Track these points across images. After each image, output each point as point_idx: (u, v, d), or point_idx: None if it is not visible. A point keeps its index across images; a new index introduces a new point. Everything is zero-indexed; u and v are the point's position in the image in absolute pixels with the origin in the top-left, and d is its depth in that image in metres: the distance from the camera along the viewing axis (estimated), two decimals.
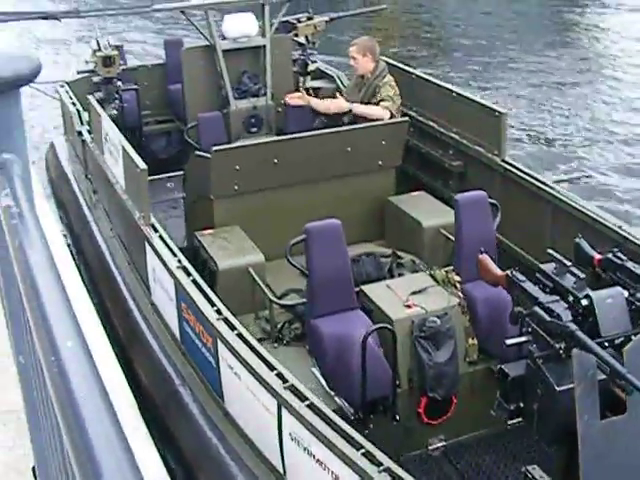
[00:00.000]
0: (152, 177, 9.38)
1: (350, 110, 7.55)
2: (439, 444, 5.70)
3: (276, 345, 6.04)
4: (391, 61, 8.21)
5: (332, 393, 5.47)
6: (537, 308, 3.84)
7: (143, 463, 3.75)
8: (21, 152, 2.42)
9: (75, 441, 1.36)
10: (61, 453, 1.62)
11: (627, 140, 13.74)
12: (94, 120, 8.04)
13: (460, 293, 5.81)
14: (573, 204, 6.40)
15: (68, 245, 6.30)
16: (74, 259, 5.97)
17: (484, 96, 15.01)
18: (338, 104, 7.74)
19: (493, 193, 6.91)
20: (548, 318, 3.75)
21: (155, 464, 4.39)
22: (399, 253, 6.91)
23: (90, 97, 8.23)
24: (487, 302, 5.70)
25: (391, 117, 7.40)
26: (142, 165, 6.37)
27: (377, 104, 7.48)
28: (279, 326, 6.17)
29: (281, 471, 4.68)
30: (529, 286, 4.05)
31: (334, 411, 5.17)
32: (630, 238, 5.83)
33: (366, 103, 7.59)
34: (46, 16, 8.64)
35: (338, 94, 8.04)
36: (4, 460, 3.55)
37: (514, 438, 5.54)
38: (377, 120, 7.32)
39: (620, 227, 6.00)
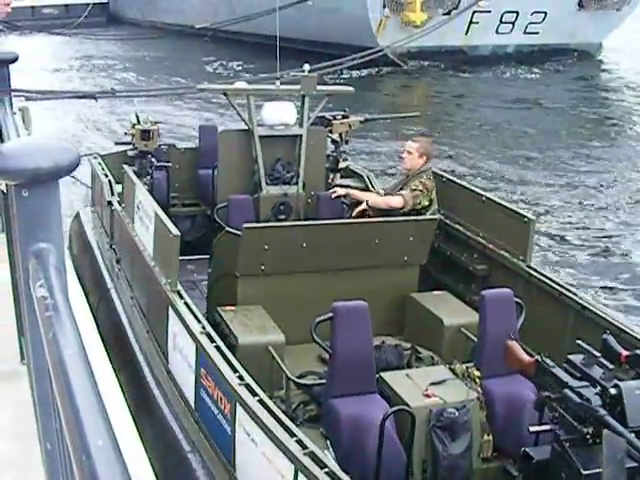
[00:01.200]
0: None
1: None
2: None
3: None
4: None
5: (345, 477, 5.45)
6: (567, 391, 3.88)
7: None
8: (57, 242, 2.49)
9: None
10: None
11: None
12: (127, 189, 8.22)
13: (479, 388, 5.84)
14: (597, 311, 6.47)
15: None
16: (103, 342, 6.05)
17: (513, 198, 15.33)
18: (374, 199, 8.06)
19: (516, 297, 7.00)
20: (578, 400, 3.79)
21: None
22: (418, 348, 6.96)
23: (126, 167, 8.44)
24: (506, 399, 5.73)
25: (404, 207, 7.59)
26: (175, 231, 6.51)
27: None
28: (294, 406, 6.18)
29: None
30: (559, 371, 4.10)
31: None
32: None
33: None
34: (83, 95, 8.95)
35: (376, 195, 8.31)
36: None
37: None
38: (393, 209, 7.56)
39: None
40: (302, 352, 6.34)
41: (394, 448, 5.26)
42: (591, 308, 6.52)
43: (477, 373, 5.95)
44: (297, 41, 27.76)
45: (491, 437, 5.74)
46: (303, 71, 8.79)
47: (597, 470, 3.62)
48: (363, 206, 8.06)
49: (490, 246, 7.73)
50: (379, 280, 7.42)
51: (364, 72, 28.16)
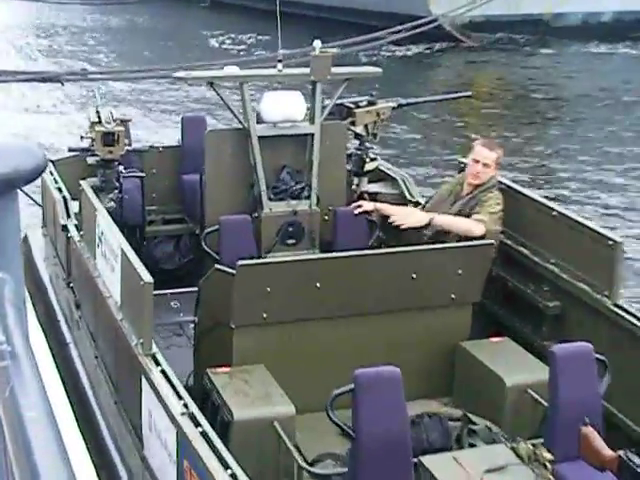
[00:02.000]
0: (153, 292, 9.60)
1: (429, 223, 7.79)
2: None
3: None
4: None
5: None
6: None
7: None
8: (14, 270, 2.45)
9: None
10: None
11: None
12: (86, 213, 8.21)
13: (551, 476, 5.81)
14: None
15: None
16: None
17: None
18: (415, 216, 8.06)
19: (599, 345, 6.95)
20: None
21: None
22: (471, 417, 6.92)
23: (84, 183, 8.42)
24: None
25: (484, 237, 7.61)
26: (147, 278, 6.51)
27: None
28: None
29: None
30: None
31: None
32: None
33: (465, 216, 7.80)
34: (47, 78, 8.94)
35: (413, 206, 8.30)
36: None
37: None
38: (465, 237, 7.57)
39: None
40: (318, 424, 6.31)
41: None
42: None
43: (548, 455, 5.92)
44: (323, 8, 27.57)
45: None
46: (313, 49, 8.73)
47: None
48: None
49: (564, 276, 7.68)
50: (418, 327, 7.40)
51: (413, 49, 28.04)
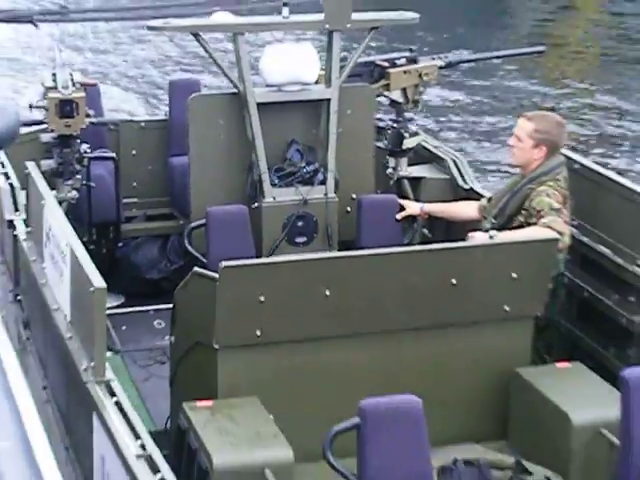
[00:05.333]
0: (130, 309, 9.58)
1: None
2: None
3: None
4: None
5: None
6: None
7: None
8: None
9: None
10: None
11: None
12: (33, 203, 8.18)
13: None
14: None
15: None
16: None
17: None
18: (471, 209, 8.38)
19: None
20: None
21: None
22: (527, 464, 6.85)
23: (30, 165, 8.37)
24: None
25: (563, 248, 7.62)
26: (99, 283, 6.46)
27: (527, 223, 7.65)
28: None
29: None
30: None
31: None
32: None
33: (510, 219, 7.76)
34: (16, 18, 8.97)
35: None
36: None
37: None
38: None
39: None
40: (322, 473, 6.27)
41: None
42: None
43: None
44: None
45: None
46: None
47: None
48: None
49: None
50: (460, 348, 7.33)
51: None
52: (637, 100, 20.13)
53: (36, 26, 10.99)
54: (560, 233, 7.50)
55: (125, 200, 9.87)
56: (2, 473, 1.94)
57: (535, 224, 7.61)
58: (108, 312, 9.24)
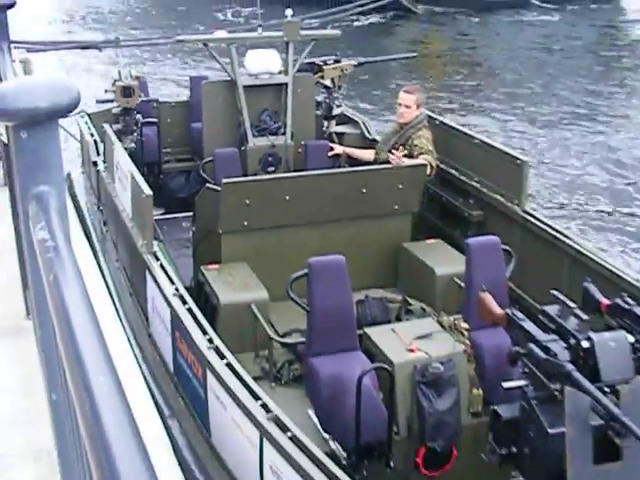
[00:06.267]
0: (168, 215, 9.44)
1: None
2: None
3: (274, 385, 5.92)
4: None
5: (326, 436, 5.33)
6: (533, 346, 3.71)
7: None
8: (58, 184, 2.40)
9: None
10: None
11: None
12: (107, 149, 8.08)
13: (467, 341, 5.67)
14: (592, 256, 6.28)
15: None
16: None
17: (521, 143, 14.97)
18: (370, 154, 8.18)
19: (512, 243, 6.82)
20: (544, 356, 3.62)
21: None
22: (409, 300, 6.79)
23: (106, 126, 8.27)
24: (495, 352, 5.54)
25: (431, 172, 7.47)
26: (147, 191, 6.36)
27: (410, 155, 7.54)
28: (278, 366, 6.05)
29: None
30: (528, 325, 3.93)
31: (327, 454, 5.05)
32: None
33: (395, 149, 7.67)
34: (87, 46, 8.79)
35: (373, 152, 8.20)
36: None
37: None
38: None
39: (638, 280, 5.86)
40: (289, 309, 6.17)
41: (375, 407, 5.10)
42: (586, 253, 6.33)
43: (465, 325, 5.78)
44: None
45: (481, 391, 5.57)
46: (286, 17, 8.54)
47: (564, 429, 3.45)
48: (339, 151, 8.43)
49: (485, 191, 7.53)
50: (369, 231, 7.23)
51: (374, 19, 27.54)
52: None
53: (100, 50, 10.82)
54: (431, 165, 7.43)
55: (164, 150, 9.69)
56: (69, 314, 1.82)
57: (416, 157, 7.53)
58: (155, 218, 9.18)
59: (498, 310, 4.23)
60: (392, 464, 5.17)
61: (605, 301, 4.23)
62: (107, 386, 1.50)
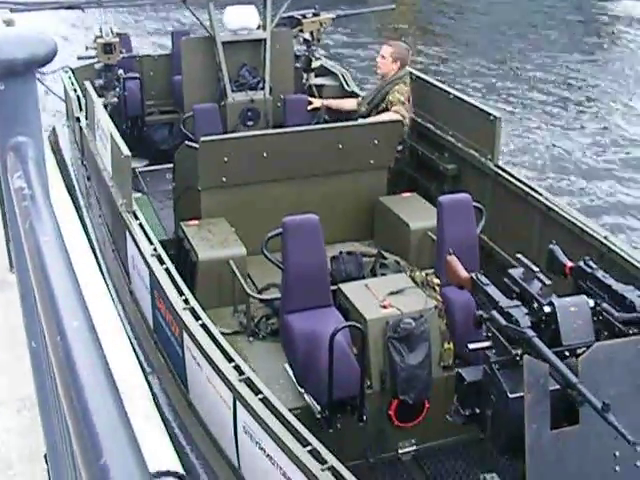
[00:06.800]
0: (152, 167, 9.38)
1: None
2: (409, 448, 5.59)
3: (251, 339, 5.94)
4: None
5: (302, 390, 5.36)
6: (495, 312, 3.71)
7: (155, 452, 3.72)
8: (36, 135, 2.37)
9: (78, 426, 1.31)
10: (69, 439, 1.58)
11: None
12: (89, 106, 7.98)
13: (439, 296, 5.69)
14: (562, 212, 6.28)
15: None
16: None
17: (495, 100, 14.85)
18: (351, 103, 8.22)
19: (485, 197, 6.82)
20: (504, 323, 3.62)
21: (168, 454, 4.29)
22: (384, 254, 6.78)
23: (87, 83, 8.16)
24: (466, 307, 5.54)
25: (404, 122, 7.42)
26: (126, 151, 6.30)
27: (386, 110, 7.49)
28: (256, 320, 6.07)
29: (236, 465, 4.59)
30: (492, 290, 3.93)
31: (302, 409, 5.09)
32: (614, 249, 5.70)
33: (375, 107, 7.61)
34: (70, 6, 8.64)
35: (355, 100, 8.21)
36: (18, 447, 3.56)
37: (487, 445, 5.41)
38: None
39: (606, 237, 5.87)
40: (267, 263, 6.18)
41: (348, 362, 5.13)
42: (556, 209, 6.32)
43: (437, 281, 5.80)
44: None
45: (452, 345, 5.61)
46: None
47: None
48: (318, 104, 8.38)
49: (459, 145, 7.49)
50: (346, 186, 7.20)
51: None
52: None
53: (83, 10, 10.62)
54: (403, 116, 7.38)
55: (147, 102, 9.59)
56: (44, 260, 1.80)
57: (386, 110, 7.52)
58: (139, 169, 9.12)
59: (464, 274, 4.22)
60: (365, 417, 5.21)
61: (569, 264, 4.22)
62: (81, 331, 1.48)
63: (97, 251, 7.60)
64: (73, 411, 1.33)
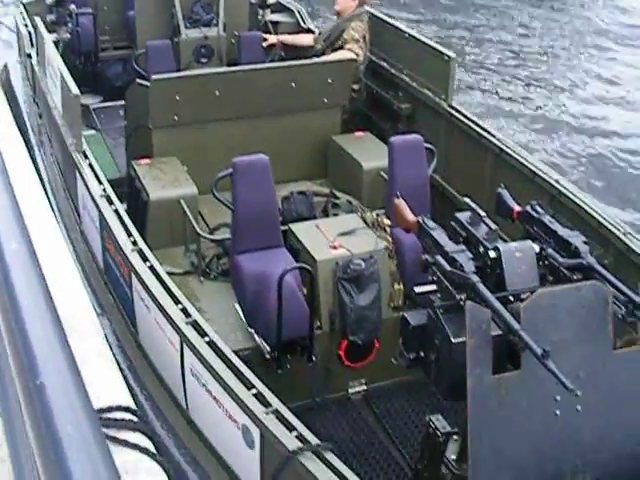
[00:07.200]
0: (106, 104, 9.15)
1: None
2: (359, 388, 5.56)
3: (202, 279, 5.84)
4: None
5: (251, 330, 5.29)
6: (439, 257, 3.63)
7: (108, 388, 3.63)
8: None
9: (16, 347, 1.29)
10: (7, 360, 1.53)
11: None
12: (39, 43, 7.72)
13: (389, 237, 5.61)
14: (514, 154, 6.20)
15: None
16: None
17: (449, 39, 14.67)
18: (307, 38, 8.12)
19: (439, 138, 6.72)
20: (449, 268, 3.55)
21: (121, 390, 4.20)
22: (337, 193, 6.68)
23: (37, 18, 7.89)
24: (416, 248, 5.45)
25: (357, 60, 7.29)
26: (75, 90, 6.09)
27: (341, 47, 7.34)
28: (207, 260, 5.96)
29: (184, 406, 4.52)
30: (437, 234, 3.84)
31: (251, 349, 5.02)
32: (564, 192, 5.65)
33: (331, 44, 7.46)
34: None
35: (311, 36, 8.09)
36: None
37: None
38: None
39: (557, 181, 5.81)
40: (215, 203, 6.06)
41: (297, 303, 5.04)
42: (508, 151, 6.24)
43: (387, 221, 5.71)
44: None
45: (402, 286, 5.55)
46: None
47: None
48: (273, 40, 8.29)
49: (414, 85, 7.35)
50: (299, 124, 7.05)
51: None
52: None
53: None
54: (356, 54, 7.25)
55: (101, 37, 9.31)
56: None
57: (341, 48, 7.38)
58: (93, 106, 8.88)
59: (411, 217, 4.13)
60: (314, 358, 5.16)
61: (517, 208, 4.15)
62: (21, 254, 1.45)
63: (48, 189, 7.41)
64: (10, 333, 1.31)
